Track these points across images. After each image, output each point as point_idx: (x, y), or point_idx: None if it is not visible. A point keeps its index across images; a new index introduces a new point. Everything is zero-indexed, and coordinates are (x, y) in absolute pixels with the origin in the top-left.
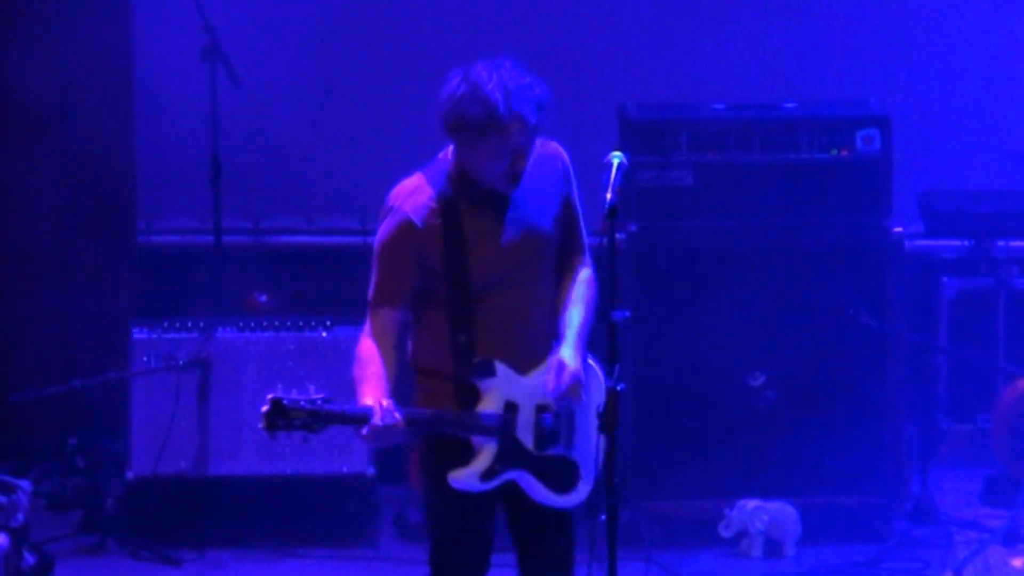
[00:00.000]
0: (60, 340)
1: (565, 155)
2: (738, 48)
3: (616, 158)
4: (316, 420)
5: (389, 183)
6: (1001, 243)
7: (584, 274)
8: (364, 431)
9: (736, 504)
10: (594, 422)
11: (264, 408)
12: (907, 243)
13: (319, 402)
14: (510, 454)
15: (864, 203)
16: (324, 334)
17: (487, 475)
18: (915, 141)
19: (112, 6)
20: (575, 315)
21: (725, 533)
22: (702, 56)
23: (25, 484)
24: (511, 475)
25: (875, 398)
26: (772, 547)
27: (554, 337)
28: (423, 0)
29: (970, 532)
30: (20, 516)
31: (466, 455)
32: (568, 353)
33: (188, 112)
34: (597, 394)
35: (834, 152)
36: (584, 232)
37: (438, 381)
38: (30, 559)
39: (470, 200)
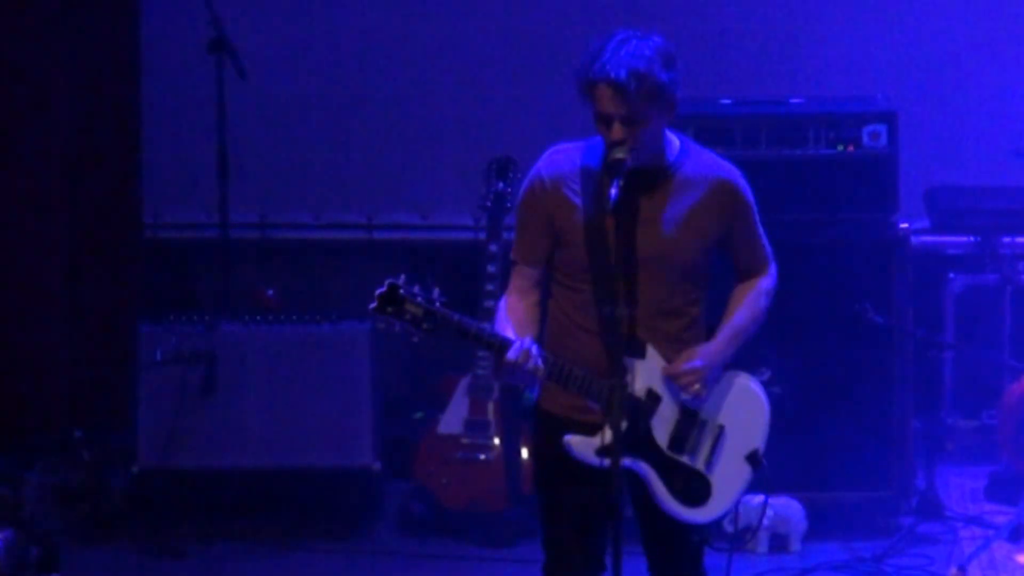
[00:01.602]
0: (67, 333)
1: (739, 186)
2: (744, 43)
3: (619, 153)
4: (429, 320)
5: (395, 178)
6: (1007, 239)
7: (756, 282)
8: (499, 361)
9: (741, 499)
10: (743, 453)
11: (379, 290)
12: (913, 239)
13: (438, 304)
14: (636, 442)
15: (870, 199)
16: (330, 329)
17: (605, 451)
18: (922, 137)
19: None
20: (729, 316)
21: (730, 528)
22: (708, 51)
23: (31, 477)
24: (632, 463)
25: (881, 394)
26: (777, 542)
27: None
28: None
29: (975, 528)
30: (26, 509)
31: (588, 432)
32: (706, 346)
33: (195, 105)
34: (751, 427)
35: (841, 148)
36: (764, 245)
37: (586, 350)
38: (35, 552)
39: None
